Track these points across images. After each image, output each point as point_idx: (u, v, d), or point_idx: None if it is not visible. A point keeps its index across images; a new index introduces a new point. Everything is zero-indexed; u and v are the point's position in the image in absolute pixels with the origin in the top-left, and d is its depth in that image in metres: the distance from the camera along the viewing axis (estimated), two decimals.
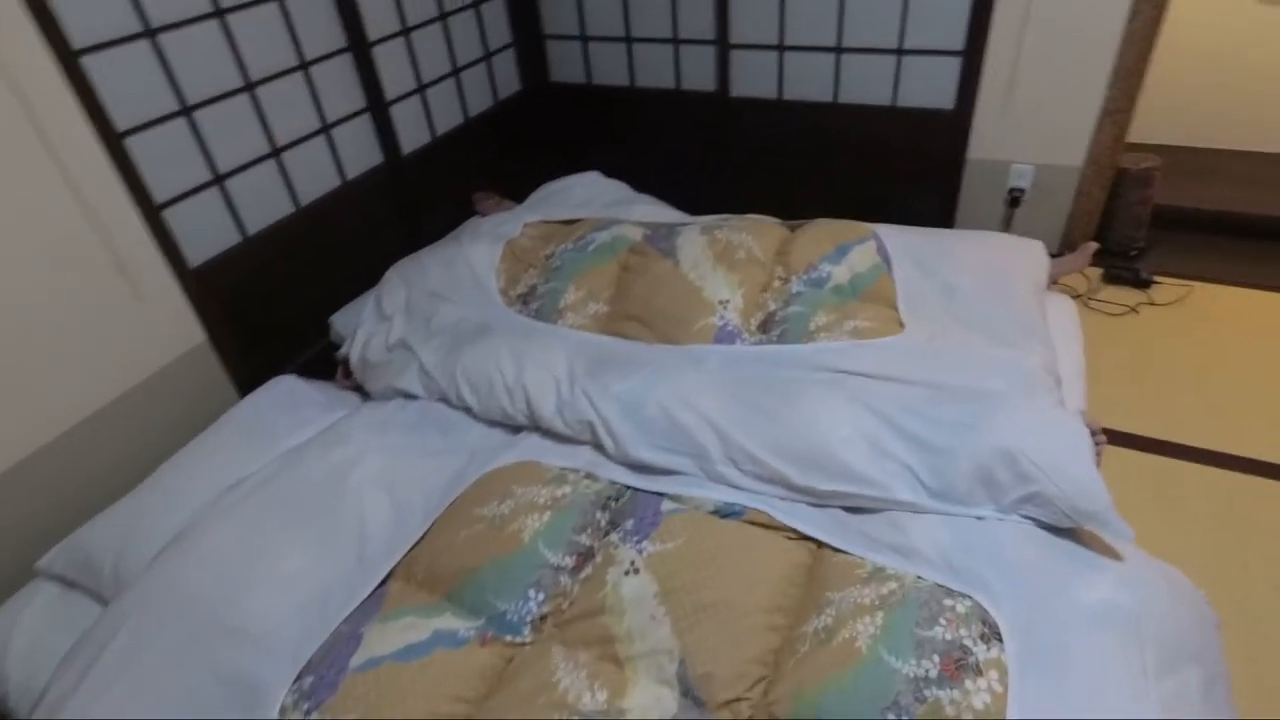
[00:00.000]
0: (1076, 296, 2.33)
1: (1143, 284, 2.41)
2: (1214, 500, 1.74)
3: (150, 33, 1.71)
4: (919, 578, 1.22)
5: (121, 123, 1.67)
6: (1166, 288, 2.40)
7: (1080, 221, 2.49)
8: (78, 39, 1.56)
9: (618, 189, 2.62)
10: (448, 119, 2.68)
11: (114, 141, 1.65)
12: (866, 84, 2.53)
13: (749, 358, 1.75)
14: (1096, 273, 2.46)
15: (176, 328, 1.88)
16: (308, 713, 1.15)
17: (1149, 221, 2.55)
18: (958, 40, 2.33)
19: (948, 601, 1.16)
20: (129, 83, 1.68)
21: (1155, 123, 2.91)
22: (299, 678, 1.21)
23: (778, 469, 1.42)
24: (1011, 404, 1.43)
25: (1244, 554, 1.62)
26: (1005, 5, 2.23)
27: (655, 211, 2.43)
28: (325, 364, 2.23)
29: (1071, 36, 2.20)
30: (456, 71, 2.67)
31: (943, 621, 1.12)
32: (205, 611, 1.32)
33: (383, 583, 1.39)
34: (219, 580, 1.37)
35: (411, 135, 2.51)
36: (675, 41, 2.73)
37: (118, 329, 1.74)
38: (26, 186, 1.53)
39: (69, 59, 1.54)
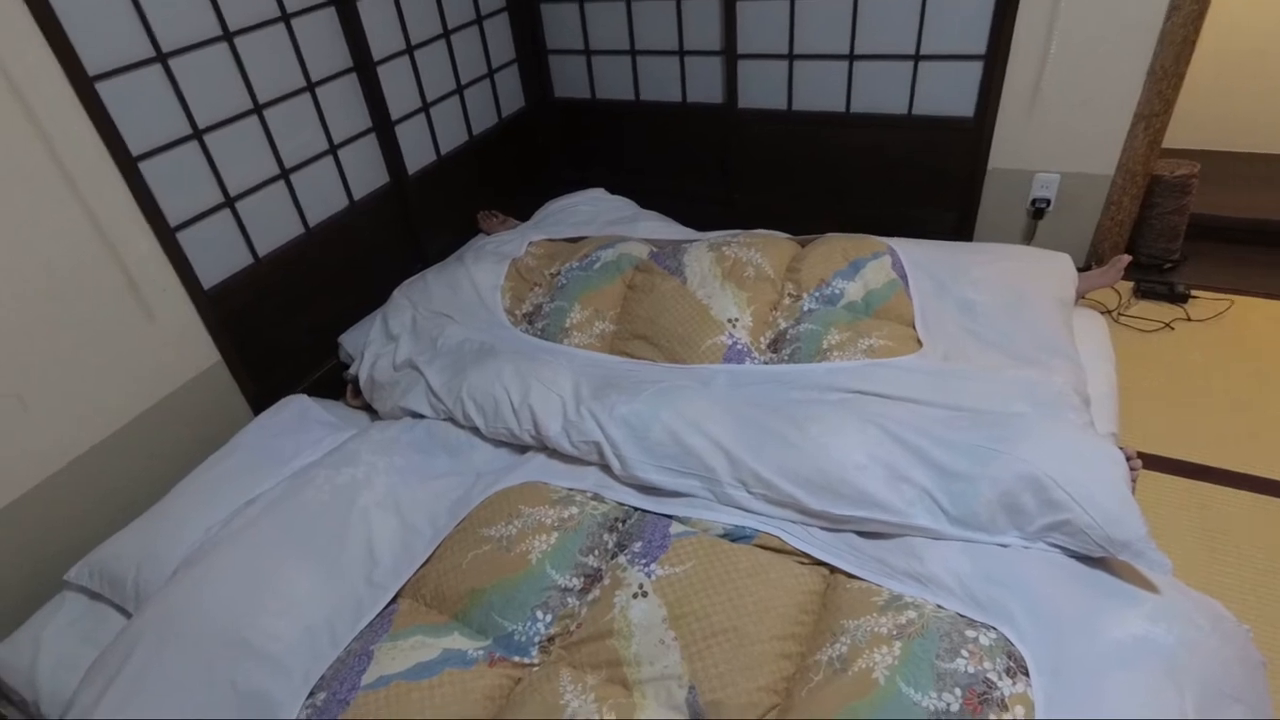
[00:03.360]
0: (1106, 312, 2.25)
1: (1178, 298, 2.30)
2: (1259, 529, 1.64)
3: (162, 57, 1.73)
4: (939, 607, 1.17)
5: (135, 147, 1.69)
6: (1204, 302, 2.29)
7: (1110, 233, 2.40)
8: (93, 65, 1.59)
9: (623, 205, 2.61)
10: (452, 138, 2.69)
11: (128, 166, 1.67)
12: (881, 92, 2.48)
13: (759, 377, 1.71)
14: (1127, 287, 2.36)
15: (192, 349, 1.89)
16: None
17: (1185, 232, 2.45)
18: (979, 44, 2.27)
19: (970, 633, 1.10)
20: (142, 107, 1.71)
21: (1193, 127, 2.81)
22: (311, 694, 1.22)
23: (790, 493, 1.38)
24: (1037, 427, 1.37)
25: None
26: (1031, 3, 2.14)
27: (661, 228, 2.41)
28: (334, 383, 2.24)
29: (1103, 36, 2.12)
30: (460, 90, 2.68)
31: (965, 654, 1.06)
32: (218, 631, 1.33)
33: (392, 602, 1.40)
34: (231, 601, 1.38)
35: (416, 155, 2.53)
36: (681, 53, 2.71)
37: (136, 350, 1.77)
38: (44, 211, 1.55)
39: (84, 85, 1.57)
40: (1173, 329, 2.23)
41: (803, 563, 1.33)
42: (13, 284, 1.52)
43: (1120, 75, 2.15)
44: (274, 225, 2.09)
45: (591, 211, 2.54)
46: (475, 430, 1.74)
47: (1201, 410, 1.95)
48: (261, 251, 2.06)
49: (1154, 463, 1.78)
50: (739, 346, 1.80)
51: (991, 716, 0.99)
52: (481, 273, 2.17)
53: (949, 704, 1.01)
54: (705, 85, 2.73)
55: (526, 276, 2.20)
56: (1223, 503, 1.70)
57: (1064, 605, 1.14)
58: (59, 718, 1.32)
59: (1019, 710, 1.00)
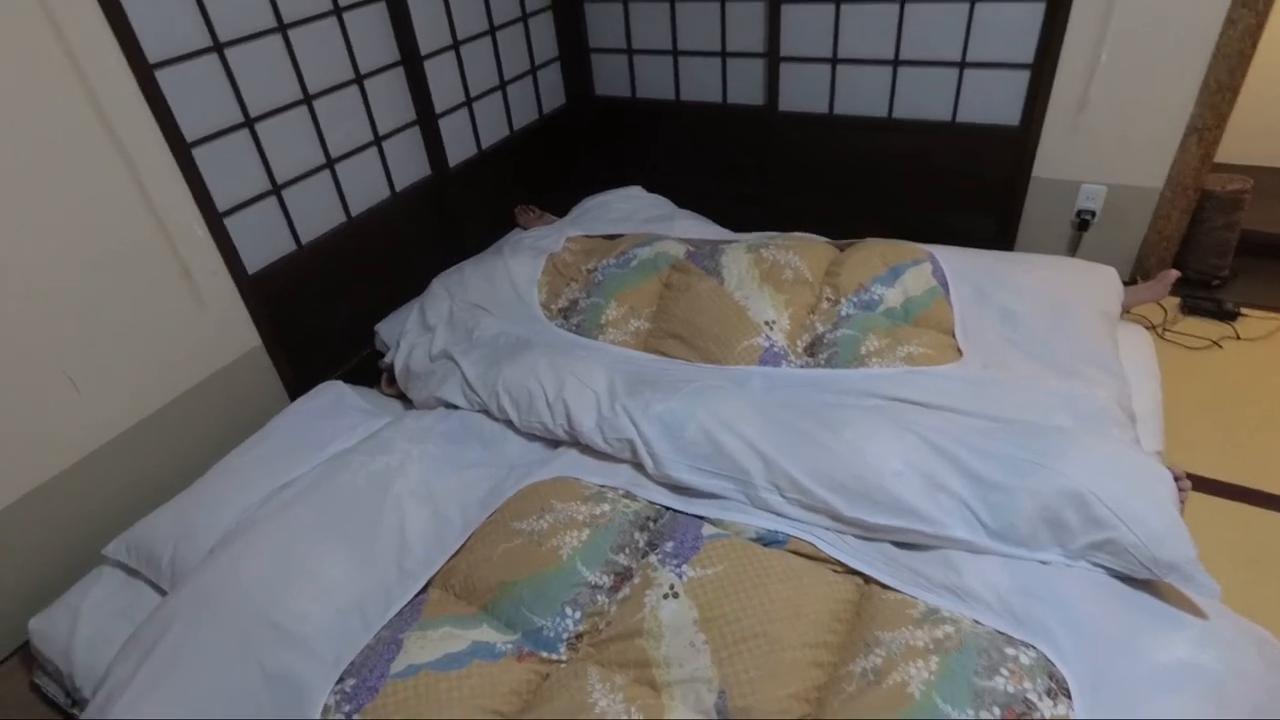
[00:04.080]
0: (1151, 328, 2.20)
1: (1227, 316, 2.24)
2: None
3: (219, 47, 1.77)
4: (976, 622, 1.15)
5: (190, 133, 1.73)
6: (1254, 321, 2.23)
7: (1157, 247, 2.35)
8: (153, 53, 1.63)
9: (659, 204, 2.61)
10: (493, 132, 2.71)
11: (183, 152, 1.71)
12: (925, 99, 2.45)
13: (795, 381, 1.69)
14: (1174, 303, 2.31)
15: (234, 332, 1.93)
16: (349, 715, 1.16)
17: (1235, 249, 2.39)
18: (1027, 52, 2.24)
19: (1010, 651, 1.08)
20: (198, 95, 1.75)
21: (1247, 142, 2.73)
22: (341, 679, 1.23)
23: (824, 498, 1.36)
24: (1080, 441, 1.34)
25: None
26: (1082, 13, 2.10)
27: (697, 227, 2.40)
28: (370, 371, 2.26)
29: (1156, 47, 2.07)
30: (503, 85, 2.70)
31: (1004, 672, 1.05)
32: (252, 613, 1.35)
33: (422, 590, 1.41)
34: (265, 584, 1.40)
35: (458, 148, 2.55)
36: (724, 55, 2.70)
37: (181, 331, 1.81)
38: (103, 195, 1.60)
39: (145, 72, 1.61)
40: (1221, 347, 2.17)
41: (836, 571, 1.31)
42: (71, 265, 1.57)
43: (1172, 87, 2.10)
44: (317, 213, 2.12)
45: (628, 209, 2.54)
46: (509, 423, 1.75)
47: (1249, 431, 1.89)
48: (304, 239, 2.09)
49: (1199, 484, 1.73)
50: (775, 349, 1.79)
51: None
52: (519, 266, 2.18)
53: None
54: (746, 87, 2.72)
55: (563, 272, 2.21)
56: (1268, 526, 1.65)
57: (1106, 625, 1.11)
58: (93, 691, 1.34)
59: None
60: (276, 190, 1.98)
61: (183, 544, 1.52)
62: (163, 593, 1.50)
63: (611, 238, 2.30)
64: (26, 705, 1.55)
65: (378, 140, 2.25)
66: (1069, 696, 1.02)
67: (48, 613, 1.52)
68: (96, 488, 1.70)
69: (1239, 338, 2.19)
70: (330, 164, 2.12)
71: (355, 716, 1.16)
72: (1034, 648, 1.09)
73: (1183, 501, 1.29)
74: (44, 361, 1.56)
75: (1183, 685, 1.03)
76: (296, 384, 2.05)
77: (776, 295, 1.87)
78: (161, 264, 1.73)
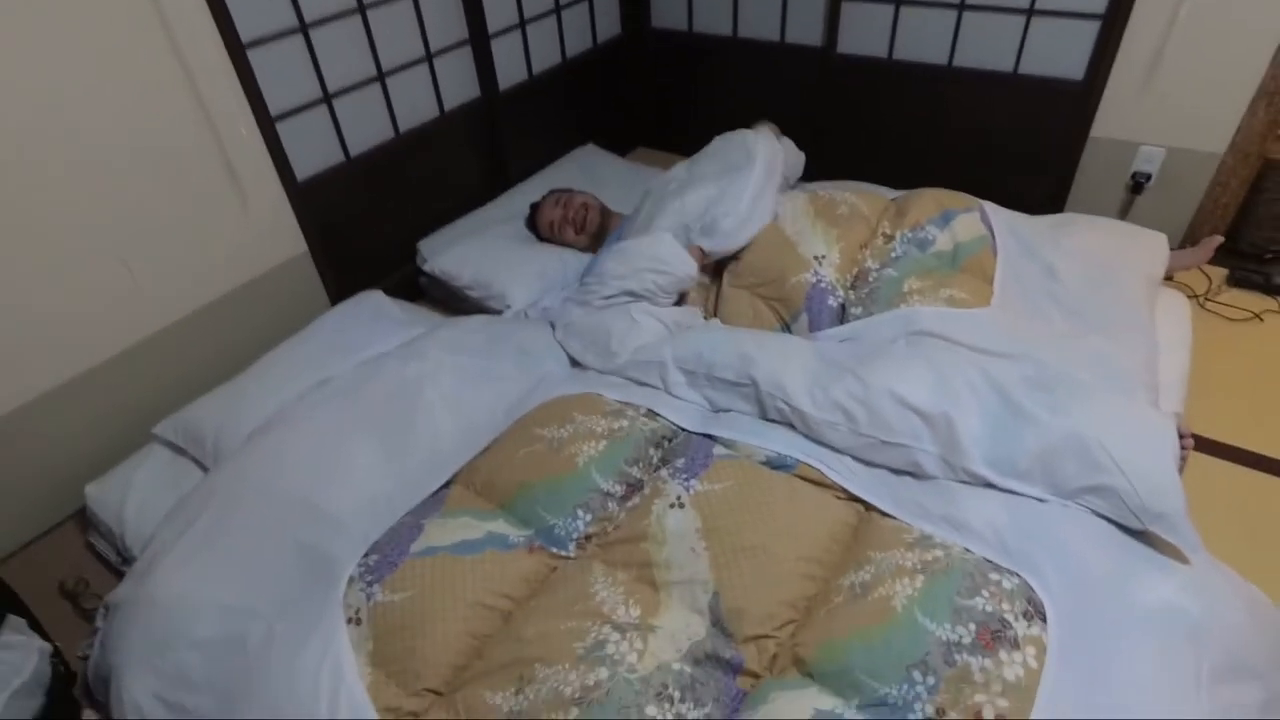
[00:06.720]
0: (1193, 297, 2.15)
1: (1274, 290, 2.18)
2: None
3: None
4: (967, 550, 1.19)
5: (246, 34, 1.77)
6: None
7: (1211, 215, 2.27)
8: None
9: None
10: (546, 58, 2.70)
11: (238, 52, 1.76)
12: (987, 47, 2.37)
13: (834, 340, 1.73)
14: (1220, 274, 2.25)
15: (282, 237, 2.01)
16: (370, 585, 1.26)
17: None
18: (1099, 2, 2.14)
19: (994, 576, 1.13)
20: None
21: None
22: (366, 555, 1.32)
23: (839, 400, 1.42)
24: (1096, 393, 1.36)
25: None
26: None
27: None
28: (410, 286, 2.33)
29: (1234, 3, 1.97)
30: (559, 9, 2.67)
31: (985, 593, 1.09)
32: (288, 491, 1.45)
33: (445, 486, 1.49)
34: (301, 466, 1.50)
35: (509, 72, 2.55)
36: None
37: (228, 230, 1.89)
38: (156, 91, 1.66)
39: None
40: (1262, 320, 2.12)
41: (839, 498, 1.36)
42: (125, 158, 1.64)
43: (1248, 47, 2.01)
44: (366, 126, 2.17)
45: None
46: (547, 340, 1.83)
47: (1275, 403, 1.88)
48: (353, 151, 2.14)
49: (1213, 448, 1.74)
50: (823, 285, 1.80)
51: (1002, 653, 1.02)
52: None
53: (961, 637, 1.04)
54: (805, 26, 2.66)
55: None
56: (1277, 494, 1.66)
57: (1095, 564, 1.14)
58: (141, 550, 1.47)
59: (1030, 651, 1.03)
60: (328, 99, 2.03)
61: (226, 428, 1.63)
62: (206, 471, 1.61)
63: None
64: (83, 562, 1.70)
65: (429, 56, 2.27)
66: (1044, 621, 1.07)
67: (103, 480, 1.66)
68: (148, 373, 1.82)
69: None
70: (381, 77, 2.15)
71: (376, 586, 1.25)
72: (1019, 575, 1.13)
73: (1183, 459, 1.30)
74: (101, 246, 1.66)
75: (1160, 625, 1.06)
76: (339, 294, 2.13)
77: (829, 230, 1.88)
78: (211, 163, 1.79)
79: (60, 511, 1.77)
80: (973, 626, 1.05)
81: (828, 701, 1.04)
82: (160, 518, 1.51)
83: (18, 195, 1.51)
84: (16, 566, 1.69)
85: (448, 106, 2.38)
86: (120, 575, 1.55)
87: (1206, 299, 2.19)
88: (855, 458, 1.43)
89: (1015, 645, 1.03)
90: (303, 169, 2.01)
